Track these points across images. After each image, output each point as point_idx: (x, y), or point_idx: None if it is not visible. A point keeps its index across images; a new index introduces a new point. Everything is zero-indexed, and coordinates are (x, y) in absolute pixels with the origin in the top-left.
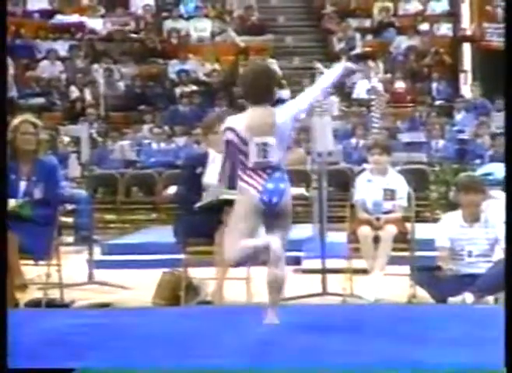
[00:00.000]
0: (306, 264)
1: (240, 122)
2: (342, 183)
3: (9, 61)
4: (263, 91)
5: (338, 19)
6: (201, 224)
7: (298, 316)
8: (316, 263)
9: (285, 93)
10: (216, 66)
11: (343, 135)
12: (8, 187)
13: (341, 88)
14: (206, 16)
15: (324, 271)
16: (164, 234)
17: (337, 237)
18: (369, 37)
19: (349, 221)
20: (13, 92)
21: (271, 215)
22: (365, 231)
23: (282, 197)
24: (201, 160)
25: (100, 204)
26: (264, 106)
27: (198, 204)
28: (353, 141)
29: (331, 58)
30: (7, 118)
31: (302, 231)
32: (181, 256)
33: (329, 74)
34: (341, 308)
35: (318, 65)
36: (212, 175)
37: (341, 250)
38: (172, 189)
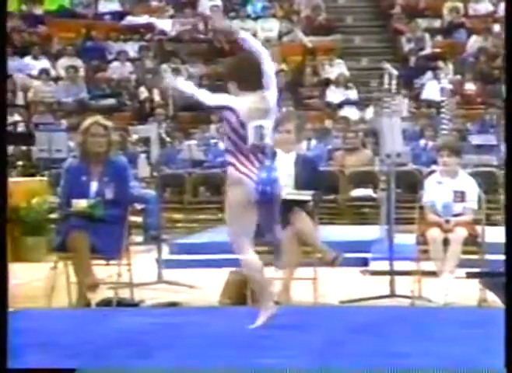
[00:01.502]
0: (374, 266)
1: (240, 104)
2: (411, 184)
3: (80, 63)
4: (253, 78)
5: (406, 19)
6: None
7: (365, 318)
8: (384, 265)
9: (352, 94)
10: (283, 66)
11: (412, 136)
12: (6, 187)
13: (411, 90)
14: (274, 16)
15: (392, 273)
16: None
17: (405, 239)
18: (438, 38)
19: (418, 222)
20: (84, 94)
21: (266, 205)
22: (434, 233)
23: (274, 186)
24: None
25: (168, 204)
26: (254, 91)
27: None
28: (422, 142)
29: (399, 59)
30: (6, 119)
31: (369, 232)
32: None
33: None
34: (410, 310)
35: (387, 66)
36: (280, 175)
37: (409, 252)
38: None
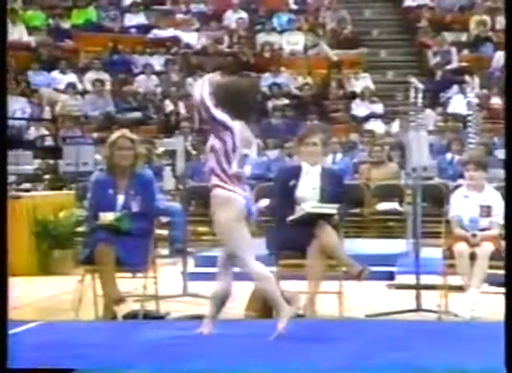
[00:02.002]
0: (400, 279)
1: (237, 129)
2: (437, 198)
3: (107, 77)
4: (250, 108)
5: (433, 32)
6: (294, 237)
7: (391, 332)
8: (410, 279)
9: (377, 107)
10: (309, 80)
11: (438, 150)
12: (5, 186)
13: (437, 104)
14: (299, 30)
15: (418, 287)
16: (256, 246)
17: (431, 253)
18: (465, 52)
19: (445, 237)
20: (110, 107)
21: (248, 222)
22: (461, 247)
23: (252, 206)
24: (295, 173)
25: (194, 217)
26: (242, 121)
27: (291, 217)
28: (448, 156)
29: (425, 73)
30: (6, 120)
31: (395, 245)
32: (273, 269)
33: None
34: (436, 324)
35: (413, 80)
36: (305, 188)
37: (435, 266)
38: (264, 202)
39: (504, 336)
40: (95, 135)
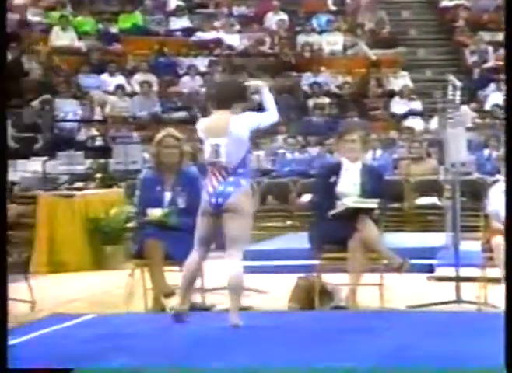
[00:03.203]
0: (440, 272)
1: (201, 124)
2: (475, 193)
3: (154, 78)
4: (223, 98)
5: (470, 32)
6: (335, 231)
7: (432, 322)
8: (449, 271)
9: (416, 104)
10: (348, 78)
11: (476, 146)
12: (5, 186)
13: (475, 101)
14: (338, 30)
15: (458, 279)
16: (299, 240)
17: (470, 246)
18: (501, 51)
19: (483, 230)
20: (157, 107)
21: (216, 215)
22: (499, 240)
23: (226, 199)
24: (336, 169)
25: None
26: (222, 111)
27: (333, 212)
28: (486, 152)
29: (463, 71)
30: (6, 119)
31: (435, 239)
32: (315, 262)
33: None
34: (475, 315)
35: (451, 78)
36: (346, 184)
37: (474, 259)
38: (306, 198)
39: (504, 335)
40: (142, 134)
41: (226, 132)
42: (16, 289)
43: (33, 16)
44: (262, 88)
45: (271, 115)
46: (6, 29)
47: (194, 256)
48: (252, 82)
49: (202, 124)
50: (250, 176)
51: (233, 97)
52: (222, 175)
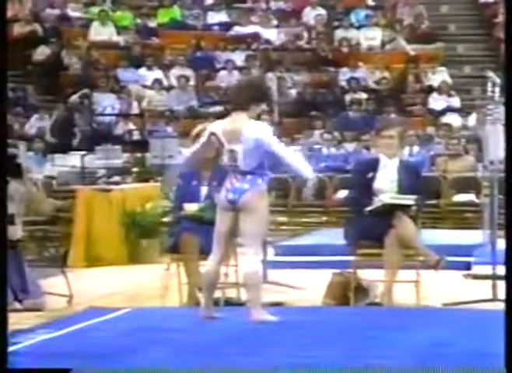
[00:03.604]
0: (477, 270)
1: (217, 127)
2: None
3: (191, 73)
4: (240, 99)
5: None
6: (372, 227)
7: (468, 320)
8: (486, 269)
9: (454, 101)
10: (386, 74)
11: None
12: (5, 187)
13: None
14: (376, 25)
15: (494, 277)
16: (334, 236)
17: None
18: None
19: None
20: (194, 101)
21: (233, 211)
22: None
23: (241, 195)
24: (373, 165)
25: (273, 207)
26: (239, 113)
27: (369, 208)
28: None
29: (502, 67)
30: (7, 119)
31: (472, 236)
32: (351, 258)
33: (301, 164)
34: None
35: (491, 74)
36: (383, 180)
37: None
38: (342, 193)
39: (504, 336)
40: (179, 129)
41: (241, 138)
42: (54, 283)
43: (72, 11)
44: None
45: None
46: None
47: (210, 264)
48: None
49: (218, 127)
50: (268, 176)
51: (251, 98)
52: (240, 174)
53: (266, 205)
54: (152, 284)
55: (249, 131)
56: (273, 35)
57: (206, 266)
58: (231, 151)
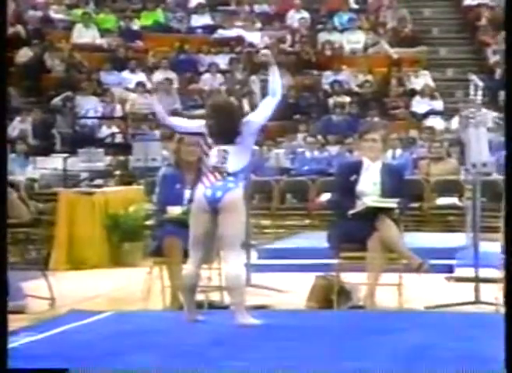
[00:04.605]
0: (459, 272)
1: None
2: (495, 193)
3: (174, 75)
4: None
5: (493, 31)
6: (355, 230)
7: (450, 323)
8: (469, 272)
9: (437, 104)
10: (369, 77)
11: (497, 147)
12: (6, 187)
13: (496, 101)
14: (359, 28)
15: (477, 280)
16: (317, 239)
17: (490, 247)
18: None
19: (503, 231)
20: (177, 104)
21: (212, 212)
22: None
23: (225, 193)
24: (356, 168)
25: (257, 210)
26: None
27: (352, 211)
28: None
29: (485, 70)
30: (6, 118)
31: (454, 239)
32: (334, 261)
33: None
34: (494, 316)
35: (473, 77)
36: (366, 183)
37: (494, 260)
38: (325, 196)
39: (504, 336)
40: (162, 132)
41: (233, 139)
42: (36, 286)
43: (55, 13)
44: (272, 65)
45: (275, 96)
46: (7, 30)
47: (189, 268)
48: (264, 52)
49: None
50: (247, 179)
51: (231, 133)
52: (222, 175)
53: (244, 208)
54: (135, 287)
55: (243, 130)
56: (257, 38)
57: (185, 269)
58: (223, 151)
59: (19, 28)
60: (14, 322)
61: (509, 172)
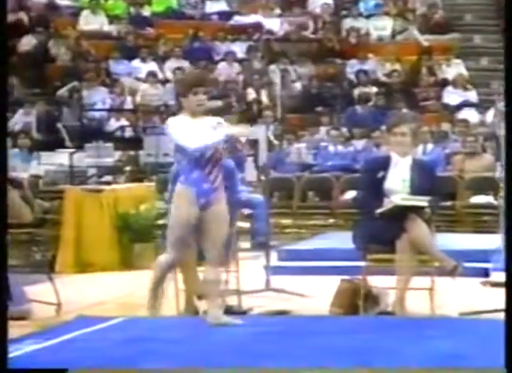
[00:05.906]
0: (496, 277)
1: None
2: None
3: (187, 65)
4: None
5: None
6: (383, 230)
7: (486, 331)
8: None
9: (471, 96)
10: (397, 66)
11: None
12: (5, 186)
13: None
14: (387, 14)
15: None
16: (342, 240)
17: None
18: None
19: None
20: None
21: (201, 210)
22: None
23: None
24: (384, 164)
25: (276, 209)
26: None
27: (380, 210)
28: None
29: None
30: (7, 118)
31: (490, 241)
32: (361, 264)
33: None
34: None
35: None
36: (394, 180)
37: None
38: (350, 194)
39: (504, 336)
40: None
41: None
42: (41, 290)
43: None
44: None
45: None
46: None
47: (167, 257)
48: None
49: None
50: None
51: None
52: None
53: None
54: (147, 292)
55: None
56: (276, 25)
57: (158, 264)
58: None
59: (22, 15)
60: (17, 328)
61: (509, 171)
